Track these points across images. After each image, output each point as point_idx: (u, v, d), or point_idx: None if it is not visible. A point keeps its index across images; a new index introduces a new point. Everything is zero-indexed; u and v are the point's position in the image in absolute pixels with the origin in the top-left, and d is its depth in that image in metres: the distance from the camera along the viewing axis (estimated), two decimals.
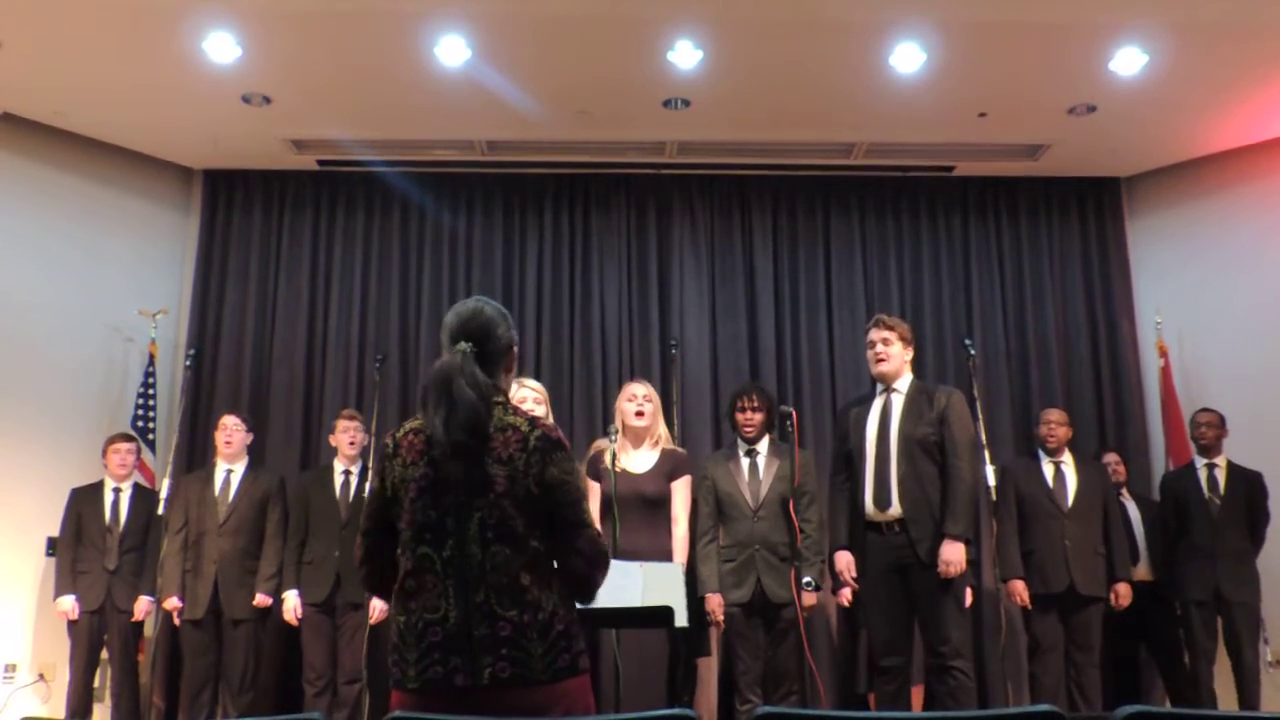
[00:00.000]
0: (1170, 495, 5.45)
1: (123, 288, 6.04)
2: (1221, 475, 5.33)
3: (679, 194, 6.44)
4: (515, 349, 2.27)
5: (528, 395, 3.83)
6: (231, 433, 5.28)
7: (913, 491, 4.02)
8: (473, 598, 2.01)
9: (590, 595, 2.14)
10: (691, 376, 6.14)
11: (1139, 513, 5.46)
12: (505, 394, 2.21)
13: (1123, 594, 5.02)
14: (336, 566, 5.05)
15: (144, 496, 5.37)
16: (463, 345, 2.13)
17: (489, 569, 2.02)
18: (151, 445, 5.78)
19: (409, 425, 2.18)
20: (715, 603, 4.52)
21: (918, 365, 4.66)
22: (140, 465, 5.55)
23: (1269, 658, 5.41)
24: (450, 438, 2.04)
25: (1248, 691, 5.04)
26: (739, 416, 4.74)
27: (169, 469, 5.45)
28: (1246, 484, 5.29)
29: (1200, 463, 5.40)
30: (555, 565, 2.10)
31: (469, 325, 2.18)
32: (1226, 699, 5.13)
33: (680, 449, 4.82)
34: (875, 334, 4.21)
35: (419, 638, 2.02)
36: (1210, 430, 5.38)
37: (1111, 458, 5.64)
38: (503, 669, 1.97)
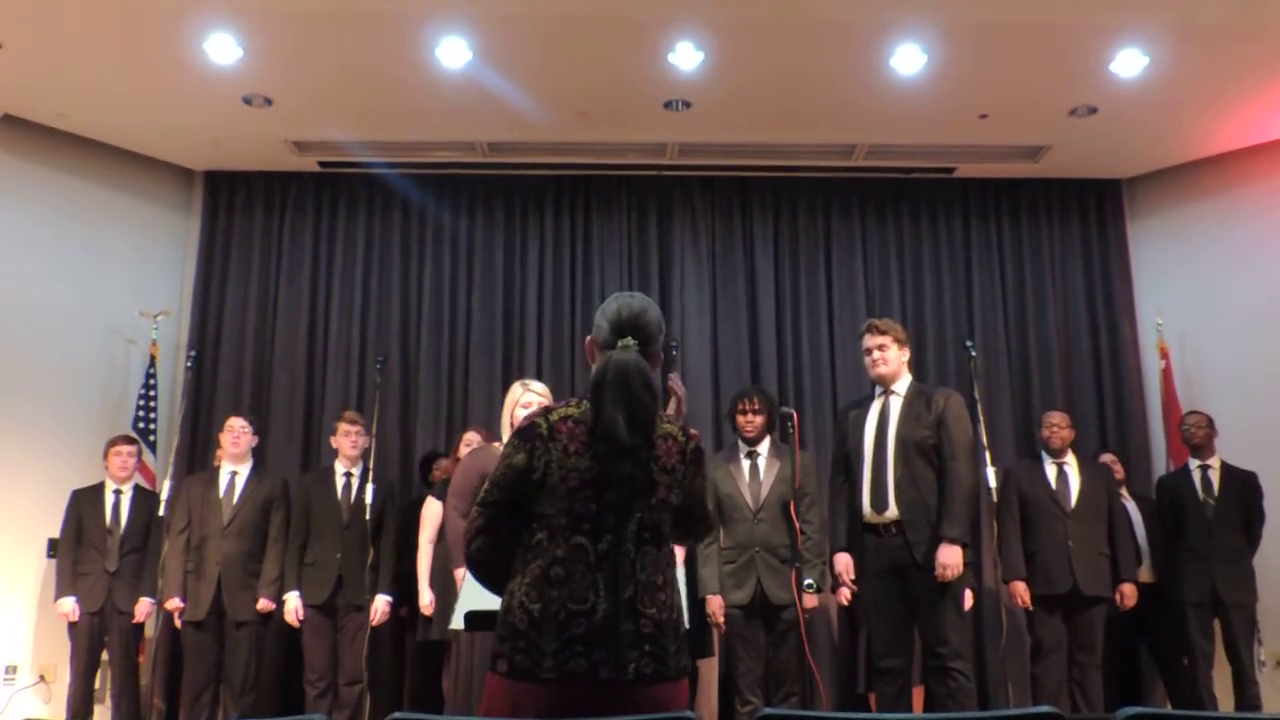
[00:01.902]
0: (1165, 497, 5.46)
1: (124, 289, 6.05)
2: (1215, 476, 5.34)
3: (680, 195, 6.45)
4: (662, 354, 2.28)
5: (533, 399, 3.81)
6: (238, 435, 5.27)
7: (909, 494, 4.02)
8: (622, 593, 2.02)
9: (700, 541, 2.42)
10: (692, 378, 6.14)
11: (1140, 514, 5.46)
12: None
13: (1128, 594, 5.03)
14: (338, 568, 5.05)
15: (144, 498, 5.37)
16: (629, 342, 2.12)
17: (640, 567, 2.05)
18: (152, 447, 5.78)
19: (563, 412, 2.12)
20: (716, 604, 4.52)
21: (919, 367, 4.67)
22: (141, 467, 5.55)
23: (1263, 658, 5.41)
24: (632, 439, 2.05)
25: (1247, 693, 5.05)
26: (740, 418, 4.74)
27: (170, 470, 5.45)
28: (1240, 484, 5.30)
29: (1194, 464, 5.40)
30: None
31: (637, 323, 2.17)
32: (1227, 701, 5.13)
33: None
34: (870, 340, 4.21)
35: (560, 628, 1.99)
36: (1199, 431, 5.39)
37: (1109, 458, 5.64)
38: (646, 664, 2.00)
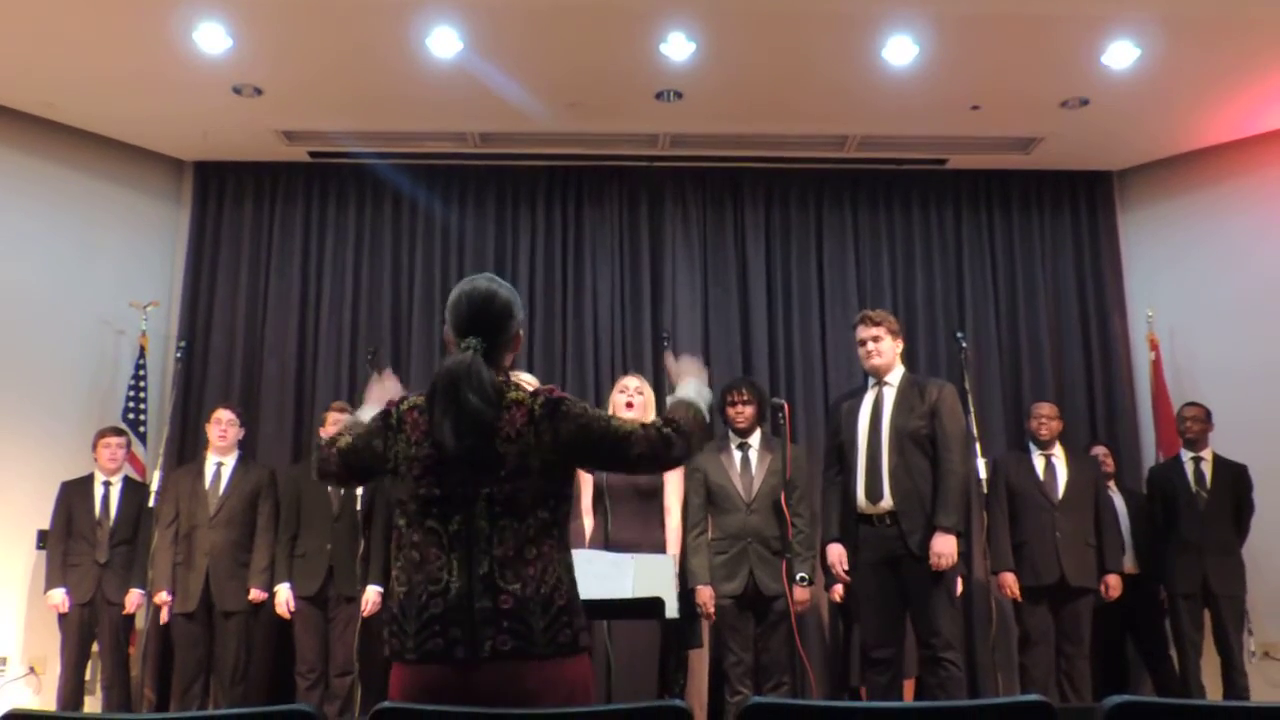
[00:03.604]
0: (1157, 488, 5.49)
1: (113, 280, 6.02)
2: (1208, 468, 5.36)
3: (671, 186, 6.44)
4: (522, 332, 2.25)
5: None
6: (226, 427, 5.27)
7: (904, 484, 4.03)
8: (476, 570, 1.99)
9: (692, 446, 2.16)
10: None
11: (1125, 505, 5.48)
12: (508, 373, 2.18)
13: (1113, 585, 5.05)
14: (329, 559, 5.04)
15: (134, 489, 5.36)
16: (472, 343, 2.08)
17: (495, 542, 2.00)
18: (142, 438, 5.76)
19: (414, 401, 2.13)
20: (706, 595, 4.52)
21: (910, 359, 4.67)
22: (131, 458, 5.53)
23: (1253, 648, 5.45)
24: (459, 444, 2.02)
25: (1235, 684, 5.08)
26: (730, 410, 4.74)
27: (160, 461, 5.43)
28: (1232, 476, 5.32)
29: (1187, 456, 5.43)
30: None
31: (481, 316, 2.14)
32: (1216, 691, 5.16)
33: None
34: (864, 331, 4.21)
35: (420, 610, 1.99)
36: (1196, 424, 5.41)
37: (1100, 450, 5.66)
38: (504, 641, 1.95)
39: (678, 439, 2.14)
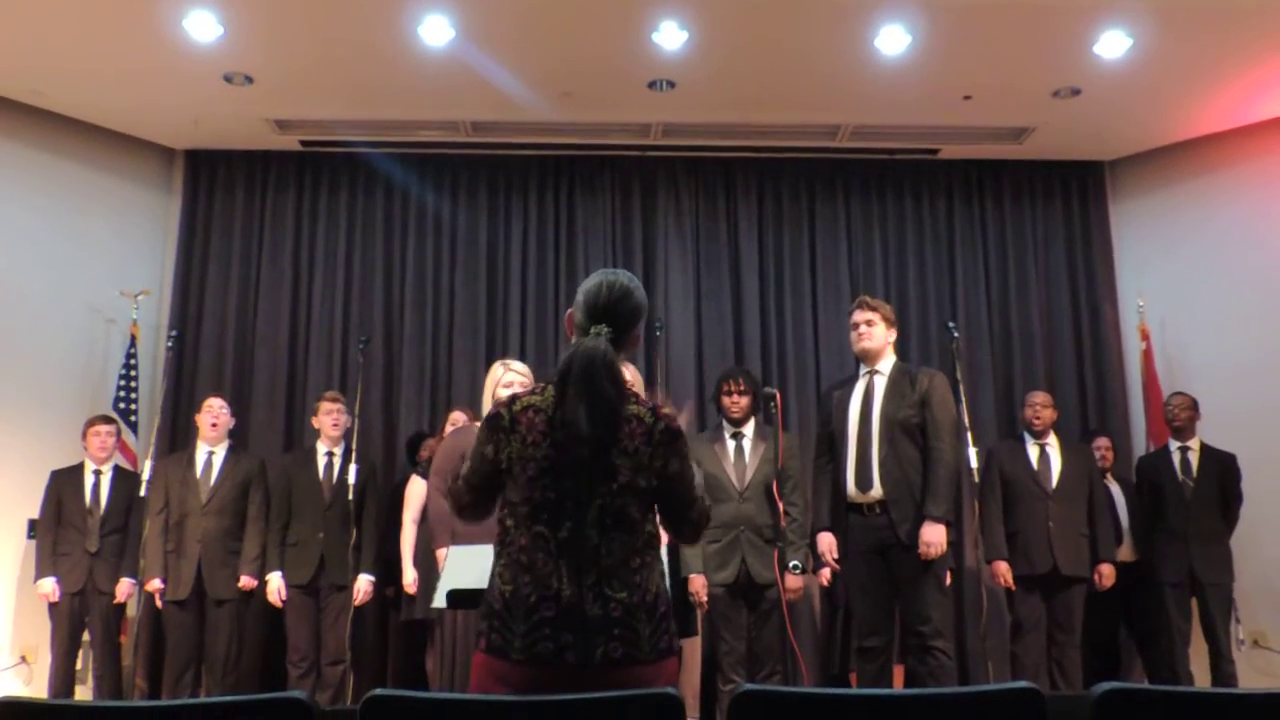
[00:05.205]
0: (1145, 478, 5.51)
1: (104, 269, 6.00)
2: (1195, 458, 5.38)
3: (664, 176, 6.44)
4: (640, 338, 2.28)
5: (515, 379, 3.81)
6: (217, 414, 5.25)
7: (894, 473, 4.04)
8: (585, 579, 2.02)
9: (694, 543, 2.35)
10: (676, 358, 6.14)
11: (1123, 495, 5.50)
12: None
13: (1106, 575, 5.06)
14: (320, 548, 5.05)
15: (125, 478, 5.34)
16: (603, 330, 2.11)
17: (604, 552, 2.04)
18: (133, 427, 5.75)
19: (526, 400, 2.13)
20: (699, 583, 4.54)
21: (902, 348, 4.68)
22: (122, 446, 5.52)
23: (1240, 636, 5.48)
24: (592, 431, 2.04)
25: (1222, 671, 5.11)
26: (725, 399, 4.75)
27: (151, 450, 5.42)
28: (1220, 466, 5.34)
29: (1174, 446, 5.45)
30: (661, 530, 2.18)
31: (618, 309, 2.16)
32: (1204, 679, 5.19)
33: None
34: (859, 315, 4.23)
35: (529, 611, 2.01)
36: (1183, 413, 5.43)
37: (1102, 442, 5.66)
38: (615, 649, 2.00)
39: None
